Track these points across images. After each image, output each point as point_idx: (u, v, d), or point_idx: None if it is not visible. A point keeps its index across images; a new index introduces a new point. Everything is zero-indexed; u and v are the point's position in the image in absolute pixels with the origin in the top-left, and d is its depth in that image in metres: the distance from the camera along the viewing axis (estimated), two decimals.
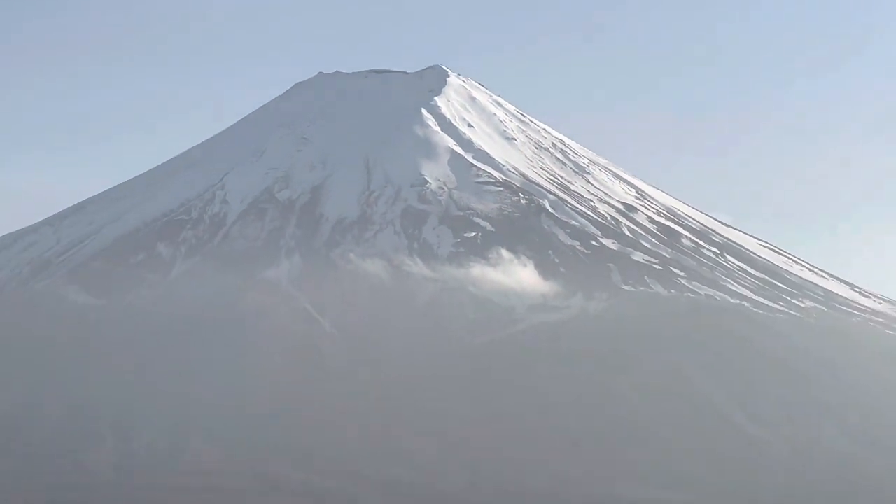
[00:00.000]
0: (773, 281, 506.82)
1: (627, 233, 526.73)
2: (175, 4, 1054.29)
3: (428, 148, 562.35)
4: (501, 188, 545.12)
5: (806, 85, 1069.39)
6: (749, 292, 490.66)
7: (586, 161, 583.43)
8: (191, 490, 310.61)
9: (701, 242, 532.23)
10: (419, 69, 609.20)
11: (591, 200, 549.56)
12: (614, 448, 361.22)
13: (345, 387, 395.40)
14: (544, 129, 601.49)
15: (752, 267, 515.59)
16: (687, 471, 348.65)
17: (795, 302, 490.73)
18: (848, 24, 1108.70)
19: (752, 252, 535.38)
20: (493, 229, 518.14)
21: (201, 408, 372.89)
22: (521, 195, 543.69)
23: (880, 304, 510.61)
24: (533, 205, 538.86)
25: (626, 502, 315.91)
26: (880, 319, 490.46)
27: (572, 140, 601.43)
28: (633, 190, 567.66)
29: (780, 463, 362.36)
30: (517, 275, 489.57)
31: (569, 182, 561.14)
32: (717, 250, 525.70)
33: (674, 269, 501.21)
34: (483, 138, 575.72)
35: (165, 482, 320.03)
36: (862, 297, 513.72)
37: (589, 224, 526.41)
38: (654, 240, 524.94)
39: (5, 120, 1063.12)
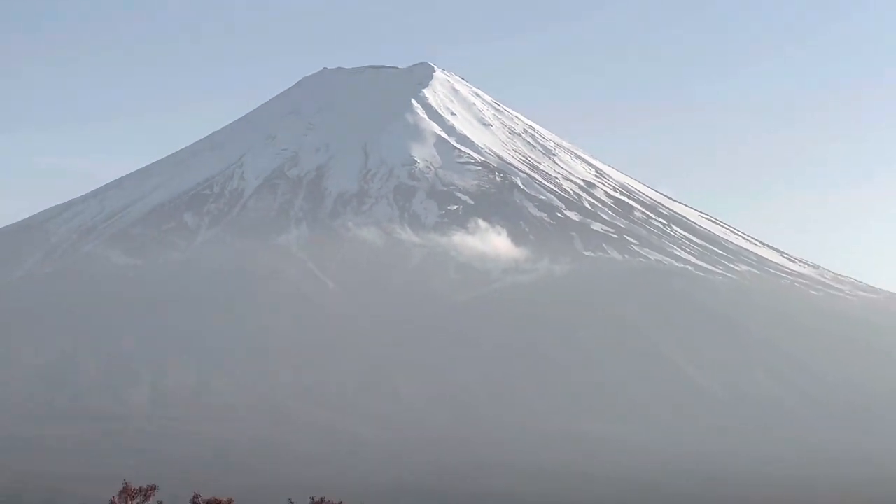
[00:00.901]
0: (713, 248, 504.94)
1: (588, 206, 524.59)
2: (201, 11, 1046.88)
3: (417, 133, 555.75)
4: (480, 167, 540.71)
5: (743, 73, 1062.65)
6: (692, 257, 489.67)
7: (553, 144, 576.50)
8: (213, 420, 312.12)
9: (651, 214, 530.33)
10: (409, 65, 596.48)
11: (556, 178, 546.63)
12: (575, 389, 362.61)
13: (345, 336, 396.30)
14: (517, 117, 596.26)
15: (694, 235, 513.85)
16: (637, 408, 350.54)
17: (732, 266, 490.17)
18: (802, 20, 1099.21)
19: (694, 223, 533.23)
20: (472, 202, 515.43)
21: (222, 352, 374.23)
22: (497, 173, 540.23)
23: (805, 268, 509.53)
24: (507, 182, 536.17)
25: (584, 434, 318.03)
26: (805, 281, 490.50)
27: (541, 126, 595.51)
28: (593, 169, 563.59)
29: (717, 401, 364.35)
30: (492, 242, 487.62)
31: (538, 162, 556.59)
32: (664, 221, 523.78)
33: (627, 238, 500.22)
34: (464, 124, 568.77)
35: (191, 414, 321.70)
36: (790, 262, 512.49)
37: (554, 198, 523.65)
38: (610, 212, 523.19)
39: (57, 108, 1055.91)
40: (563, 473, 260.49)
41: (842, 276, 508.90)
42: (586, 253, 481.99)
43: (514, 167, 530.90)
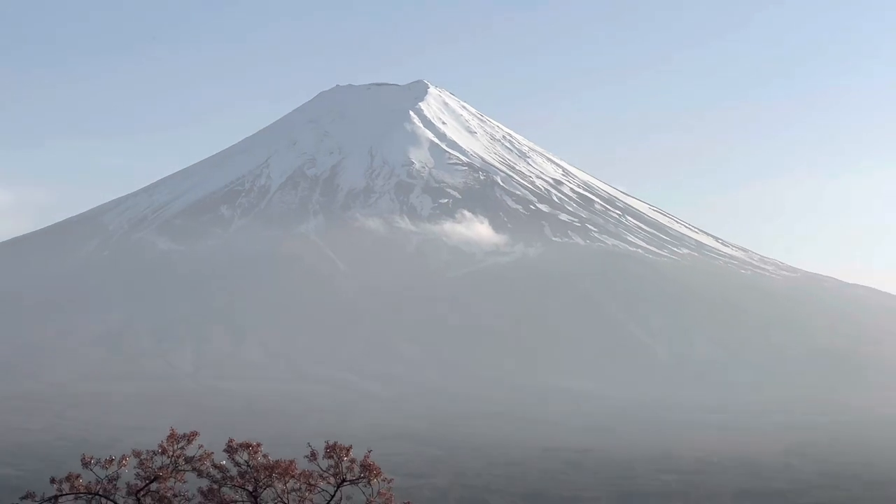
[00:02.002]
0: (660, 234, 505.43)
1: (556, 200, 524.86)
2: (235, 39, 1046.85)
3: (414, 139, 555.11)
4: (466, 168, 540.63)
5: (682, 88, 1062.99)
6: (642, 242, 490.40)
7: (527, 148, 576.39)
8: (245, 379, 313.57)
9: (608, 207, 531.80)
10: (408, 82, 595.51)
11: (530, 177, 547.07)
12: (544, 349, 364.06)
13: (353, 307, 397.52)
14: (497, 126, 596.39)
15: (644, 224, 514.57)
16: (594, 365, 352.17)
17: (675, 249, 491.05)
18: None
19: (644, 214, 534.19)
20: (459, 197, 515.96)
21: (252, 323, 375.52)
22: (480, 173, 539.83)
23: (736, 251, 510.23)
24: (488, 180, 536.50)
25: (550, 386, 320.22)
26: (736, 262, 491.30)
27: (517, 133, 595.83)
28: (560, 169, 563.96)
29: (662, 360, 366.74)
30: (476, 229, 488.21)
31: (514, 163, 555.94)
32: (619, 212, 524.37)
33: (589, 226, 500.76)
34: (453, 132, 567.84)
35: (226, 374, 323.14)
36: (723, 247, 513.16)
37: (528, 193, 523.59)
38: (574, 205, 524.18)
39: (116, 119, 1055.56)
40: (534, 419, 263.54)
41: (767, 258, 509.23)
42: (555, 238, 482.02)
43: (495, 167, 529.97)
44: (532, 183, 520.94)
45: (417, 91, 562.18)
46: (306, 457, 13.21)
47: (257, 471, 13.91)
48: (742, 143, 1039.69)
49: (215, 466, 13.56)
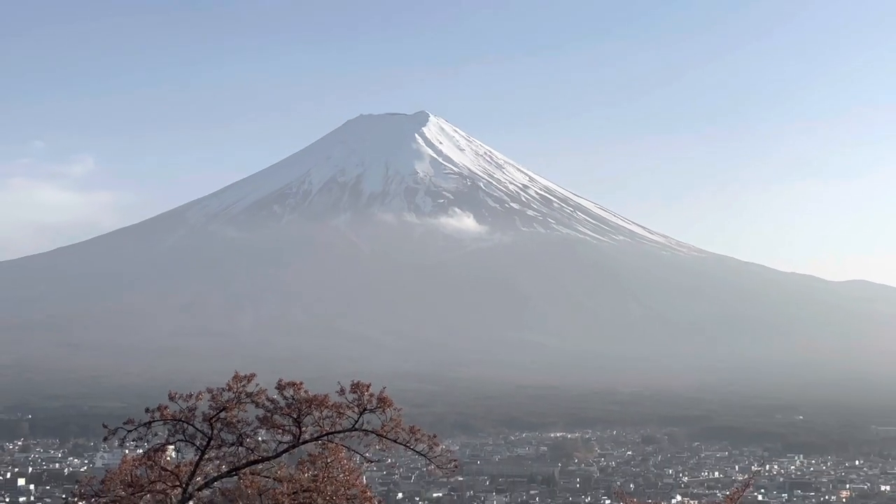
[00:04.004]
0: (602, 225, 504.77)
1: (524, 199, 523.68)
2: (281, 76, 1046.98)
3: (418, 155, 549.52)
4: (457, 176, 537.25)
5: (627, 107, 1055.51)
6: (589, 231, 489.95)
7: (502, 161, 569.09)
8: (291, 335, 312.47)
9: (563, 205, 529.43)
10: (413, 112, 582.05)
11: (504, 182, 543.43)
12: (514, 313, 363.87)
13: (373, 281, 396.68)
14: (480, 144, 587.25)
15: (590, 218, 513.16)
16: (552, 324, 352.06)
17: (614, 237, 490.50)
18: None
19: (590, 209, 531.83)
20: (452, 198, 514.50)
21: (296, 293, 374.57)
22: (468, 180, 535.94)
23: (659, 237, 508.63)
24: (474, 185, 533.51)
25: (520, 340, 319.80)
26: (659, 246, 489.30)
27: (496, 150, 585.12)
28: (527, 177, 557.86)
29: (603, 320, 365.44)
30: (465, 222, 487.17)
31: (493, 173, 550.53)
32: (571, 209, 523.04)
33: (549, 219, 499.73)
34: (448, 149, 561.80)
35: (276, 332, 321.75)
36: (649, 234, 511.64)
37: (503, 195, 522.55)
38: (538, 203, 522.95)
39: (195, 133, 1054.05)
40: (509, 364, 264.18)
41: (682, 242, 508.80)
42: (523, 229, 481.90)
43: (479, 175, 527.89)
44: (506, 187, 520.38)
45: (421, 119, 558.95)
46: (337, 392, 13.34)
47: (300, 403, 13.97)
48: (662, 160, 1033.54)
49: (268, 399, 13.67)
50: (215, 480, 14.22)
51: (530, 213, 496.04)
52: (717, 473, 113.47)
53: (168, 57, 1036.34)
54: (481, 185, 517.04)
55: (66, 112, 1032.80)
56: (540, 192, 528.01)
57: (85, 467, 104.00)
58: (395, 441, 13.89)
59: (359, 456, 14.30)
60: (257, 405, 13.74)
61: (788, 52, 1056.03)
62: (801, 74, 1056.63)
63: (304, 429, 13.95)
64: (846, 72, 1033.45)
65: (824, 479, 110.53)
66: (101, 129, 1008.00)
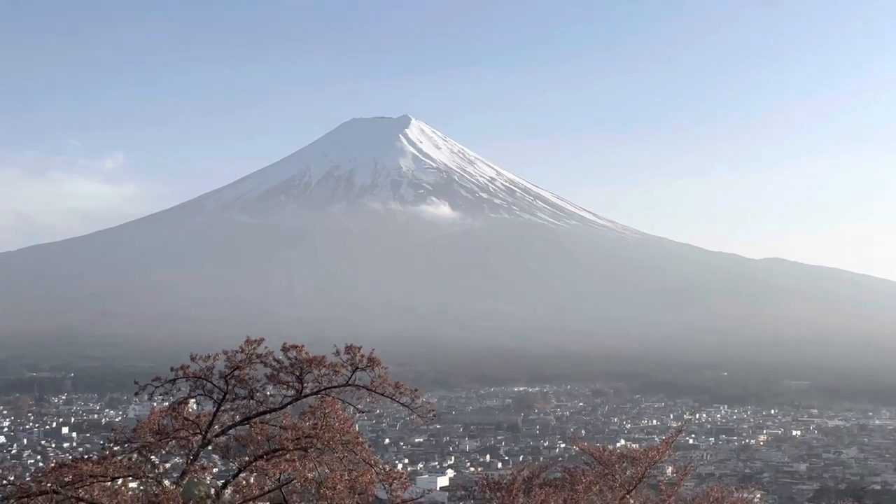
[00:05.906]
0: (558, 212, 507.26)
1: (492, 189, 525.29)
2: (288, 86, 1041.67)
3: (402, 153, 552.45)
4: (435, 170, 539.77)
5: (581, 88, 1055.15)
6: (547, 217, 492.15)
7: (474, 157, 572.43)
8: (295, 305, 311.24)
9: (525, 195, 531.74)
10: (398, 116, 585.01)
11: (475, 176, 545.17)
12: (484, 286, 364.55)
13: (365, 260, 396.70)
14: (454, 143, 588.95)
15: (548, 206, 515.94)
16: (515, 296, 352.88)
17: (567, 221, 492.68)
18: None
19: (548, 198, 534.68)
20: (431, 188, 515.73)
21: (300, 269, 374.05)
22: (444, 173, 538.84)
23: (605, 222, 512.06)
24: (449, 178, 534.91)
25: (490, 309, 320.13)
26: (605, 229, 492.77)
27: (467, 148, 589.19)
28: (495, 171, 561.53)
29: (557, 290, 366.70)
30: (442, 210, 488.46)
31: (465, 167, 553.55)
32: (532, 198, 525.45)
33: (513, 207, 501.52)
34: (427, 147, 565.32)
35: (283, 302, 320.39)
36: (597, 219, 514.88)
37: (475, 186, 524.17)
38: (503, 193, 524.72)
39: (212, 131, 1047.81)
40: (479, 329, 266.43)
41: (626, 226, 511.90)
42: (492, 215, 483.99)
43: (453, 170, 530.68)
44: (476, 180, 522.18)
45: (404, 122, 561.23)
46: (333, 353, 13.42)
47: (302, 363, 14.00)
48: (621, 147, 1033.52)
49: (275, 360, 13.68)
50: (230, 428, 14.30)
51: (497, 201, 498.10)
52: (655, 421, 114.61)
53: (187, 64, 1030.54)
54: (455, 178, 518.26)
55: (97, 114, 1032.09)
56: (505, 184, 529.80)
57: (119, 418, 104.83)
58: (382, 395, 13.98)
59: (352, 407, 14.37)
60: (265, 364, 13.80)
61: (701, 65, 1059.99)
62: (721, 82, 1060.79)
63: (305, 385, 14.02)
64: (758, 81, 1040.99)
65: (745, 426, 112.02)
66: (129, 129, 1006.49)
